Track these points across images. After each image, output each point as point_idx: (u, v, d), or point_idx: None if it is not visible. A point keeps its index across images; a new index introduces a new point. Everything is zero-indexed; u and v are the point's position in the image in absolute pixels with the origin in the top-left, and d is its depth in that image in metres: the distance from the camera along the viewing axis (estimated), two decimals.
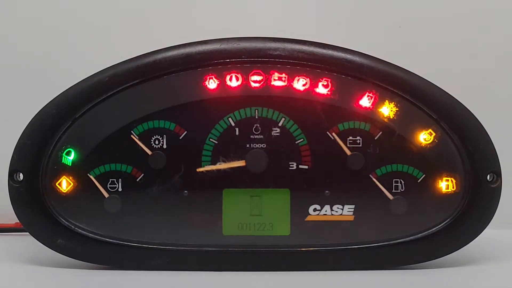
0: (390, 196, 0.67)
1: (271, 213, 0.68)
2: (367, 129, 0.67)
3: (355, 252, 0.67)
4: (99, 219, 0.67)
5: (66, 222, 0.67)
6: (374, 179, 0.67)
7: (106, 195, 0.67)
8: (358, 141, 0.67)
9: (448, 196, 0.67)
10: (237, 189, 0.67)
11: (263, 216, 0.68)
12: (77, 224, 0.67)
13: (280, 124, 0.67)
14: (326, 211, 0.68)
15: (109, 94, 0.66)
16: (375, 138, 0.67)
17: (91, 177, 0.67)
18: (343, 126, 0.67)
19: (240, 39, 0.67)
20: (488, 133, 0.67)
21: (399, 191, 0.67)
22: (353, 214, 0.67)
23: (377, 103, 0.66)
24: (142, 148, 0.67)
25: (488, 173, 0.67)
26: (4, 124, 0.92)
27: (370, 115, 0.66)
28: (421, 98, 0.66)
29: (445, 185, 0.67)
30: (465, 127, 0.66)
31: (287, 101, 0.67)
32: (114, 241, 0.67)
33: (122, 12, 0.93)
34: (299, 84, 0.67)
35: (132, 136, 0.67)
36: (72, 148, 0.66)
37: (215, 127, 0.67)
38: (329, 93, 0.66)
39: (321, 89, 0.66)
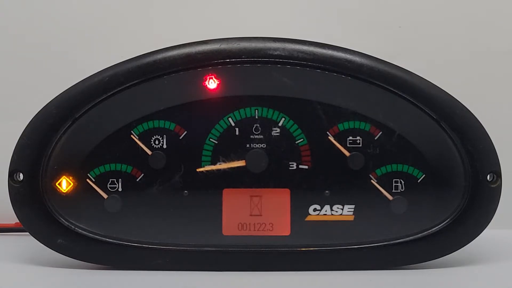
0: (389, 197, 0.67)
1: (271, 213, 0.68)
2: (367, 129, 0.67)
3: (355, 252, 0.67)
4: (99, 219, 0.67)
5: (66, 222, 0.67)
6: (374, 179, 0.67)
7: (104, 196, 0.67)
8: (358, 141, 0.67)
9: (448, 196, 0.67)
10: (237, 189, 0.67)
11: (263, 216, 0.68)
12: (77, 224, 0.67)
13: (280, 124, 0.67)
14: (326, 211, 0.68)
15: (109, 94, 0.66)
16: (375, 138, 0.67)
17: (89, 181, 0.67)
18: (343, 126, 0.67)
19: (240, 39, 0.67)
20: (488, 133, 0.67)
21: (399, 191, 0.67)
22: (353, 214, 0.67)
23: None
24: (142, 148, 0.67)
25: (488, 173, 0.67)
26: (4, 124, 0.92)
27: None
28: (421, 98, 0.66)
29: (445, 184, 0.67)
30: (465, 127, 0.66)
31: (287, 101, 0.67)
32: (114, 241, 0.67)
33: (122, 12, 0.93)
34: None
35: (132, 136, 0.67)
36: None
37: (215, 127, 0.67)
38: (328, 92, 0.67)
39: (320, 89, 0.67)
